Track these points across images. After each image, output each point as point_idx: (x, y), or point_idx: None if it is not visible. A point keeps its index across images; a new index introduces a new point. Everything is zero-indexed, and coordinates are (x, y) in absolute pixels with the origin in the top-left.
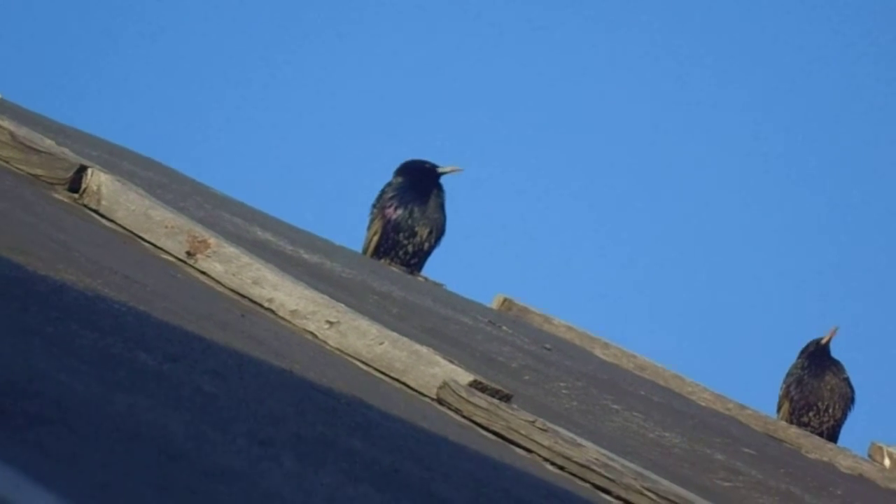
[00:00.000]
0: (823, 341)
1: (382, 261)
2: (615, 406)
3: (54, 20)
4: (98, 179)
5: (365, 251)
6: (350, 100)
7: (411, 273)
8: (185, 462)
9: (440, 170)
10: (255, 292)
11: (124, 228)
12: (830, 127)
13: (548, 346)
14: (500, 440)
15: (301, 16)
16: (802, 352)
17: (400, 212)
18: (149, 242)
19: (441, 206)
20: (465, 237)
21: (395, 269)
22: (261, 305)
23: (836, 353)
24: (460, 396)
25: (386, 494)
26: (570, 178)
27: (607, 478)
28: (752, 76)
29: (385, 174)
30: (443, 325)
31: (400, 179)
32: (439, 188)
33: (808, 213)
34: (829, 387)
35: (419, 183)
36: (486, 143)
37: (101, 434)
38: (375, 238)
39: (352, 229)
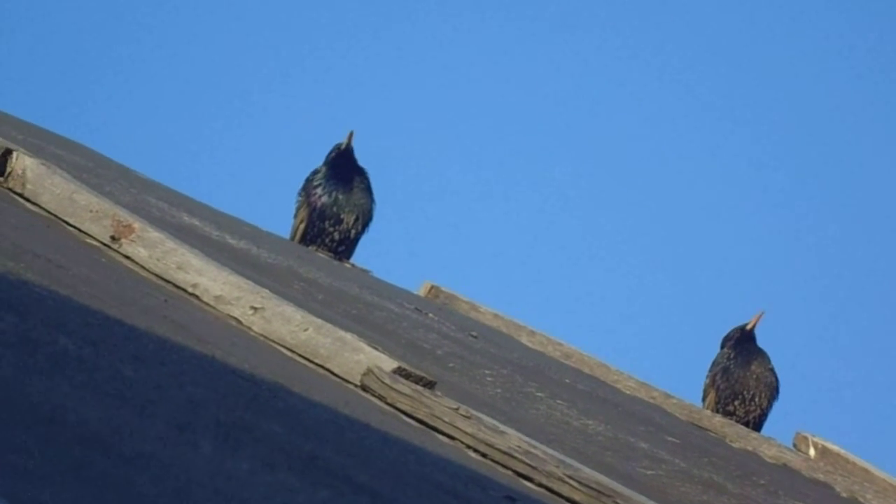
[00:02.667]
0: (748, 327)
1: (310, 248)
2: (539, 394)
3: None
4: (23, 163)
5: (292, 238)
6: (281, 84)
7: (339, 260)
8: (101, 447)
9: (341, 145)
10: (180, 277)
11: (49, 212)
12: (755, 115)
13: (474, 333)
14: (423, 427)
15: None
16: (727, 339)
17: (325, 199)
18: (73, 227)
19: (367, 190)
20: (393, 223)
21: (322, 256)
22: (185, 291)
23: (761, 341)
24: (384, 383)
25: (304, 481)
26: (498, 165)
27: (529, 465)
28: (649, 75)
29: (317, 159)
30: (368, 311)
31: (325, 166)
32: (363, 172)
33: (736, 198)
34: (754, 376)
35: (344, 169)
36: (414, 129)
37: (17, 418)
38: (302, 226)
39: (282, 215)
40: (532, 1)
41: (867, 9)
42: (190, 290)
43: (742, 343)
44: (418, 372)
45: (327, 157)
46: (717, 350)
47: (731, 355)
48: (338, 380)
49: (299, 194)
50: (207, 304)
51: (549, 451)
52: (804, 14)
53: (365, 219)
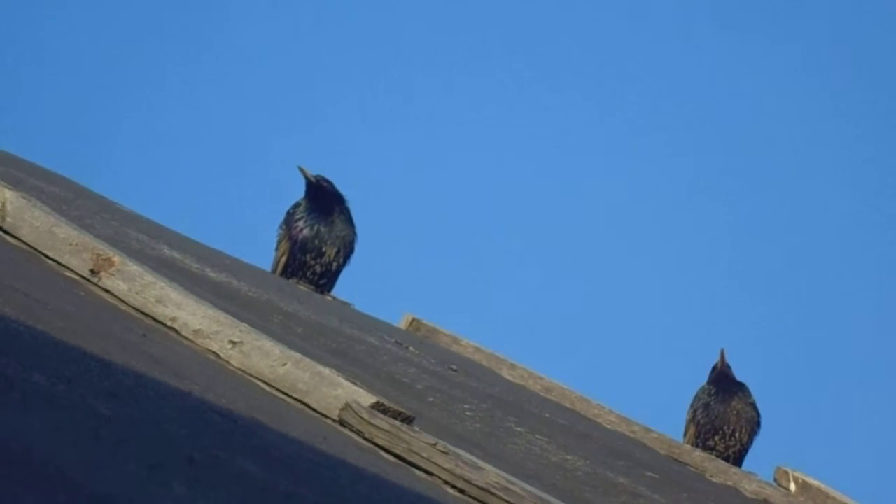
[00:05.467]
0: (718, 366)
1: (291, 280)
2: (519, 428)
3: None
4: (3, 196)
5: (274, 271)
6: (265, 116)
7: (320, 292)
8: (71, 487)
9: (306, 175)
10: (159, 311)
11: (29, 245)
12: (738, 155)
13: (454, 367)
14: (401, 462)
15: (215, 29)
16: (710, 375)
17: (306, 232)
18: (53, 260)
19: (348, 221)
20: (374, 255)
21: (303, 288)
22: (164, 324)
23: (742, 375)
24: (362, 418)
25: None
26: (480, 197)
27: (507, 501)
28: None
29: (298, 191)
30: (348, 345)
31: (306, 198)
32: (343, 202)
33: (719, 231)
34: (734, 411)
35: (324, 201)
36: (396, 162)
37: None
38: (283, 259)
39: (264, 247)
40: (492, 52)
41: None
42: (169, 323)
43: (722, 379)
44: (396, 407)
45: (306, 191)
46: (701, 384)
47: (712, 391)
48: (316, 415)
49: (280, 227)
50: (186, 337)
51: (528, 487)
52: None
53: (346, 251)
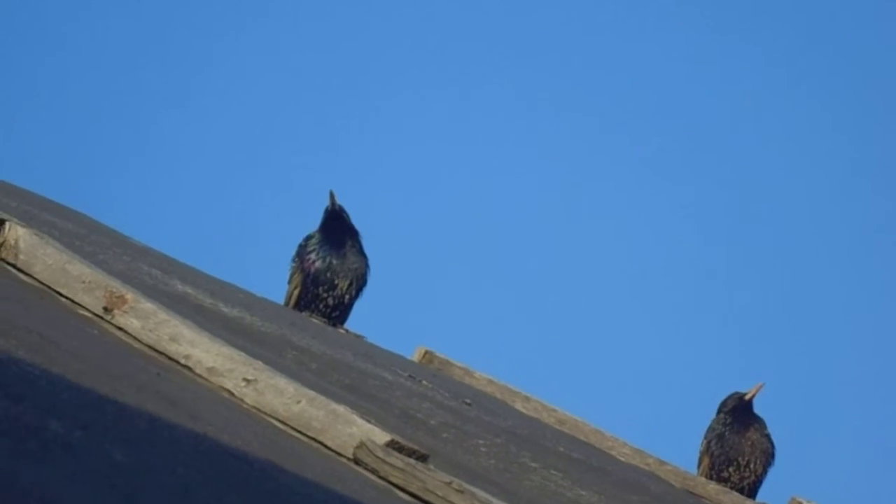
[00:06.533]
0: (747, 397)
1: (304, 313)
2: (533, 464)
3: None
4: (16, 233)
5: (286, 304)
6: (272, 145)
7: (333, 325)
8: None
9: (328, 207)
10: (172, 349)
11: (42, 283)
12: (753, 170)
13: (468, 400)
14: (416, 501)
15: (223, 56)
16: (723, 405)
17: (318, 264)
18: (66, 298)
19: (360, 253)
20: (387, 287)
21: (317, 322)
22: (178, 362)
23: (758, 406)
24: (377, 457)
25: None
26: (493, 228)
27: None
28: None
29: (311, 223)
30: (362, 380)
31: (318, 231)
32: (356, 235)
33: (730, 261)
34: (749, 442)
35: (337, 233)
36: (409, 193)
37: None
38: (296, 292)
39: (276, 280)
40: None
41: None
42: (182, 361)
43: (738, 410)
44: (411, 445)
45: (321, 221)
46: (713, 415)
47: (727, 421)
48: (331, 453)
49: (293, 260)
50: (200, 375)
51: None
52: None
53: (359, 283)
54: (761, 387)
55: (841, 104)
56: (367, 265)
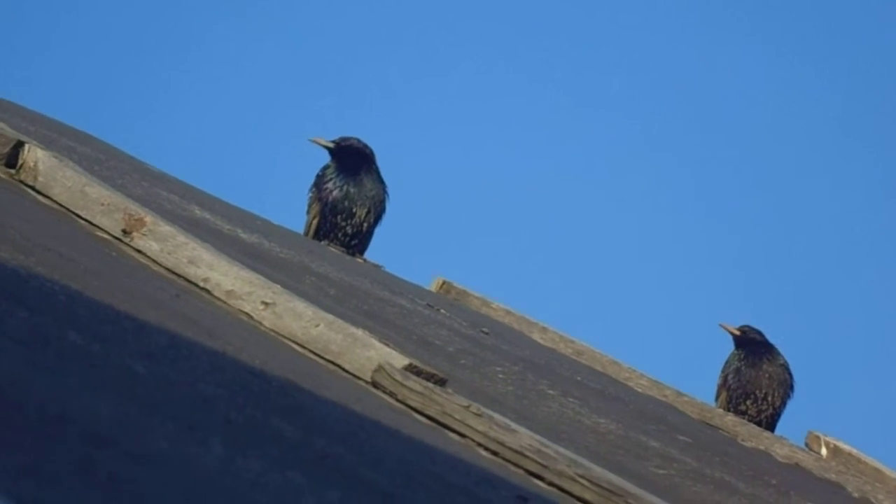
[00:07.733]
0: (735, 334)
1: (323, 243)
2: (551, 391)
3: None
4: (35, 155)
5: (306, 234)
6: (293, 79)
7: (351, 254)
8: (109, 445)
9: (322, 144)
10: (191, 272)
11: (60, 205)
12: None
13: (485, 329)
14: (434, 424)
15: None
16: (737, 340)
17: (336, 193)
18: (85, 220)
19: (378, 180)
20: (405, 217)
21: (335, 250)
22: (196, 285)
23: (774, 338)
24: (395, 380)
25: (314, 479)
26: (513, 160)
27: (540, 464)
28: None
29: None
30: (380, 307)
31: (334, 161)
32: (371, 162)
33: (750, 200)
34: (766, 375)
35: (352, 160)
36: (427, 125)
37: (24, 416)
38: (315, 221)
39: (296, 210)
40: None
41: None
42: (201, 284)
43: (753, 343)
44: (429, 369)
45: (331, 156)
46: (731, 349)
47: (742, 355)
48: (349, 376)
49: (311, 190)
50: (219, 298)
51: (561, 449)
52: None
53: (377, 210)
54: (725, 325)
55: (849, 93)
56: (385, 192)
